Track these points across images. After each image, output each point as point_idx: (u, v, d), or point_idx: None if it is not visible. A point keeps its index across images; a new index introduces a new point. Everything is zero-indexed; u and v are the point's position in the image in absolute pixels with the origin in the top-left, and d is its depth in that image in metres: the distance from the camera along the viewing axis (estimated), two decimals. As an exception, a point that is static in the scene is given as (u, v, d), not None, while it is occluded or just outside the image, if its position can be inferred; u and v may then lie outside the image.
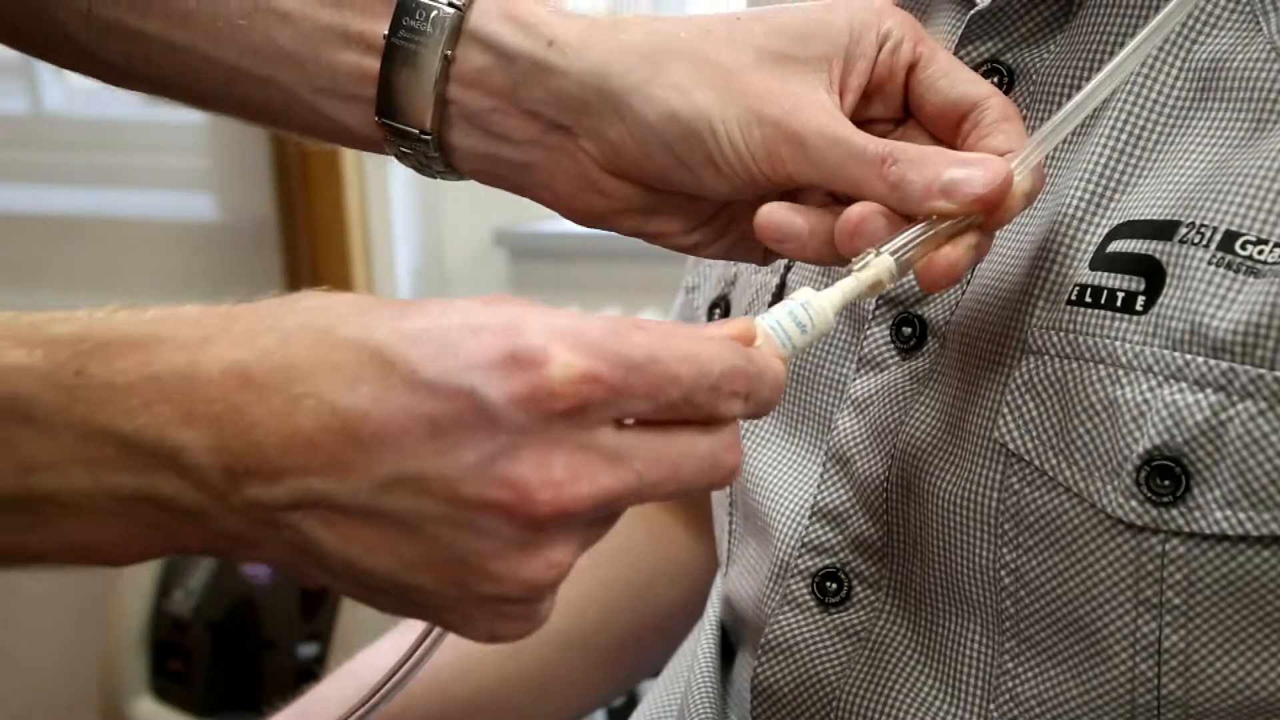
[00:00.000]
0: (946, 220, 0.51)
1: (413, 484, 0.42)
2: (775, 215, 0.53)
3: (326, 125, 0.59)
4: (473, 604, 0.45)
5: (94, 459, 0.43)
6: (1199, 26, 0.55)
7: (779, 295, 0.66)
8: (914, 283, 0.59)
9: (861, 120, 0.55)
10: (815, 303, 0.50)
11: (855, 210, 0.51)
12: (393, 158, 0.59)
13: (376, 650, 0.80)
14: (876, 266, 0.51)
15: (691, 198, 0.56)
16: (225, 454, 0.42)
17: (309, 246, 2.03)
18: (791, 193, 0.56)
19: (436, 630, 0.52)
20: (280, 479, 0.42)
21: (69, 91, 2.05)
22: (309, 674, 1.73)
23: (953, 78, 0.55)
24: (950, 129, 0.55)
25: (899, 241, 0.51)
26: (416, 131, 0.56)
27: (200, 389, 0.42)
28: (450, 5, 0.55)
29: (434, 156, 0.58)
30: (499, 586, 0.44)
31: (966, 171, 0.51)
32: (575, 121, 0.55)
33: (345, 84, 0.57)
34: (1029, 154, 0.52)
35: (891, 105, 0.56)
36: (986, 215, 0.51)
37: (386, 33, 0.56)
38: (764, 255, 0.59)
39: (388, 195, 1.96)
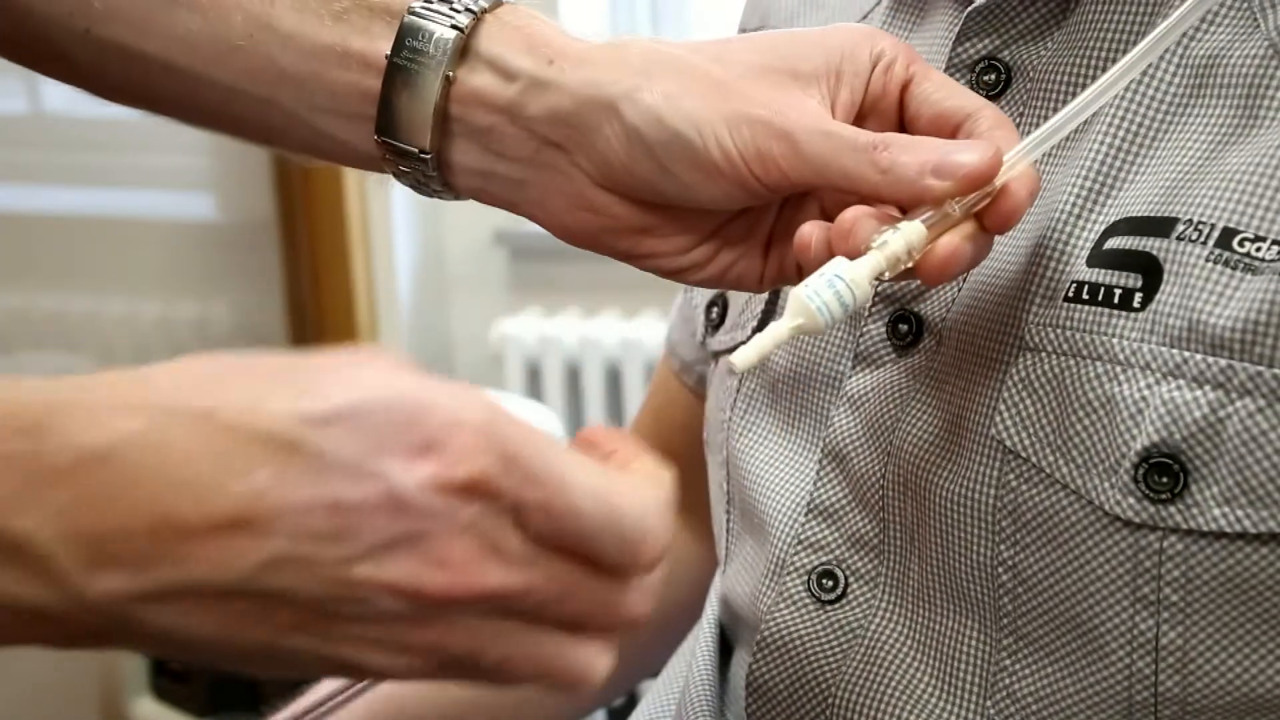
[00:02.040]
0: (943, 208, 0.51)
1: (302, 564, 0.40)
2: (816, 237, 0.52)
3: (326, 144, 0.59)
4: (345, 650, 0.42)
5: None
6: (1197, 23, 0.55)
7: (775, 294, 0.66)
8: (910, 283, 0.59)
9: None
10: (851, 273, 0.50)
11: (848, 214, 0.51)
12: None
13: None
14: (906, 232, 0.50)
15: (684, 218, 0.56)
16: (79, 541, 0.38)
17: (309, 246, 2.03)
18: (786, 206, 0.56)
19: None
20: (147, 568, 0.39)
21: (69, 91, 2.05)
22: (309, 674, 1.71)
23: (946, 91, 0.55)
24: (946, 138, 0.55)
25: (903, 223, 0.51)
26: (416, 150, 0.57)
27: (45, 473, 0.38)
28: (453, 27, 0.56)
29: (432, 175, 0.58)
30: (377, 650, 0.41)
31: (958, 150, 0.51)
32: (566, 138, 0.55)
33: (346, 103, 0.58)
34: (1028, 147, 0.52)
35: (886, 122, 0.56)
36: (991, 214, 0.51)
37: (389, 53, 0.56)
38: (759, 282, 0.58)
39: (388, 195, 1.97)
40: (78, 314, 2.17)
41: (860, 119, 0.55)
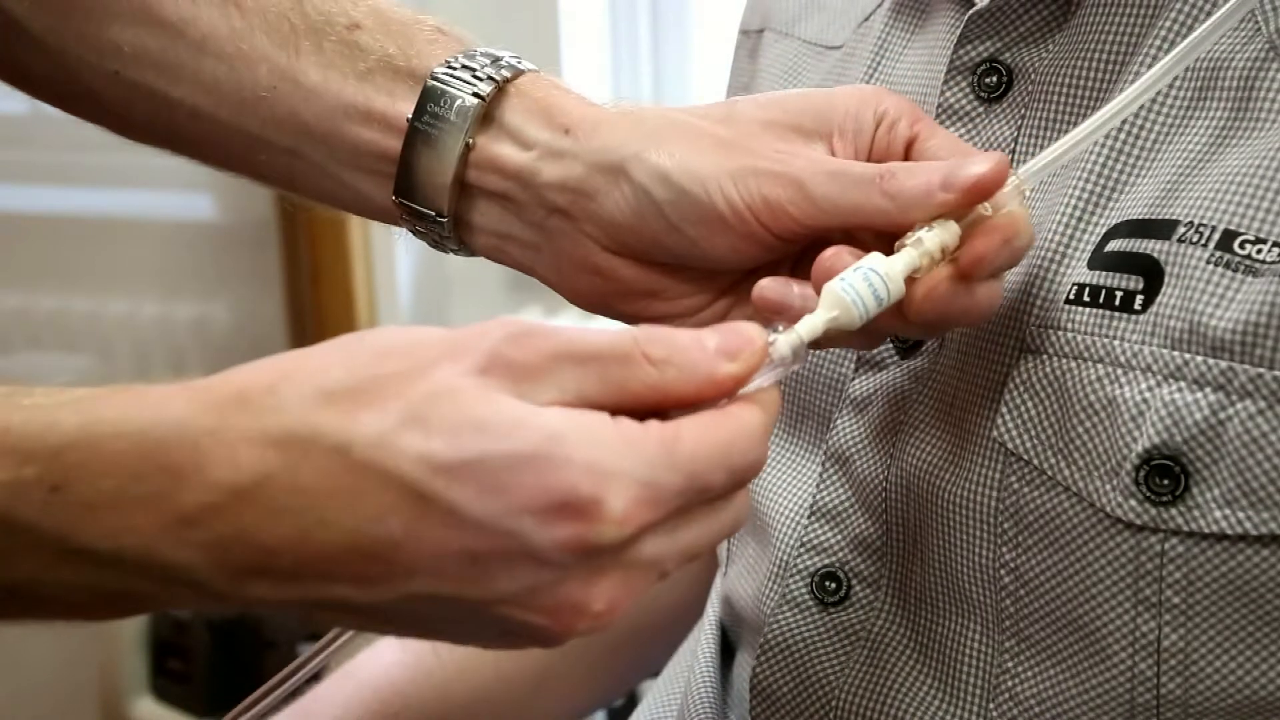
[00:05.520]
0: (975, 211, 0.51)
1: (446, 599, 0.43)
2: (769, 288, 0.53)
3: (348, 196, 0.60)
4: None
5: (77, 567, 0.43)
6: (1198, 28, 0.55)
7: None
8: None
9: None
10: (885, 267, 0.50)
11: (828, 251, 0.52)
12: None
13: (376, 650, 0.80)
14: (940, 229, 0.51)
15: (694, 279, 0.57)
16: (229, 568, 0.42)
17: (309, 246, 2.02)
18: (800, 266, 0.56)
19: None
20: (294, 582, 0.43)
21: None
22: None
23: (952, 148, 0.55)
24: None
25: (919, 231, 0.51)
26: (433, 214, 0.58)
27: (191, 510, 0.42)
28: (475, 95, 0.57)
29: (448, 236, 0.59)
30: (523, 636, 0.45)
31: (962, 164, 0.51)
32: (572, 203, 0.56)
33: (366, 160, 0.59)
34: (1042, 161, 0.52)
35: None
36: (967, 261, 0.51)
37: (410, 116, 0.57)
38: None
39: (388, 195, 1.96)
40: (78, 314, 2.17)
41: None
